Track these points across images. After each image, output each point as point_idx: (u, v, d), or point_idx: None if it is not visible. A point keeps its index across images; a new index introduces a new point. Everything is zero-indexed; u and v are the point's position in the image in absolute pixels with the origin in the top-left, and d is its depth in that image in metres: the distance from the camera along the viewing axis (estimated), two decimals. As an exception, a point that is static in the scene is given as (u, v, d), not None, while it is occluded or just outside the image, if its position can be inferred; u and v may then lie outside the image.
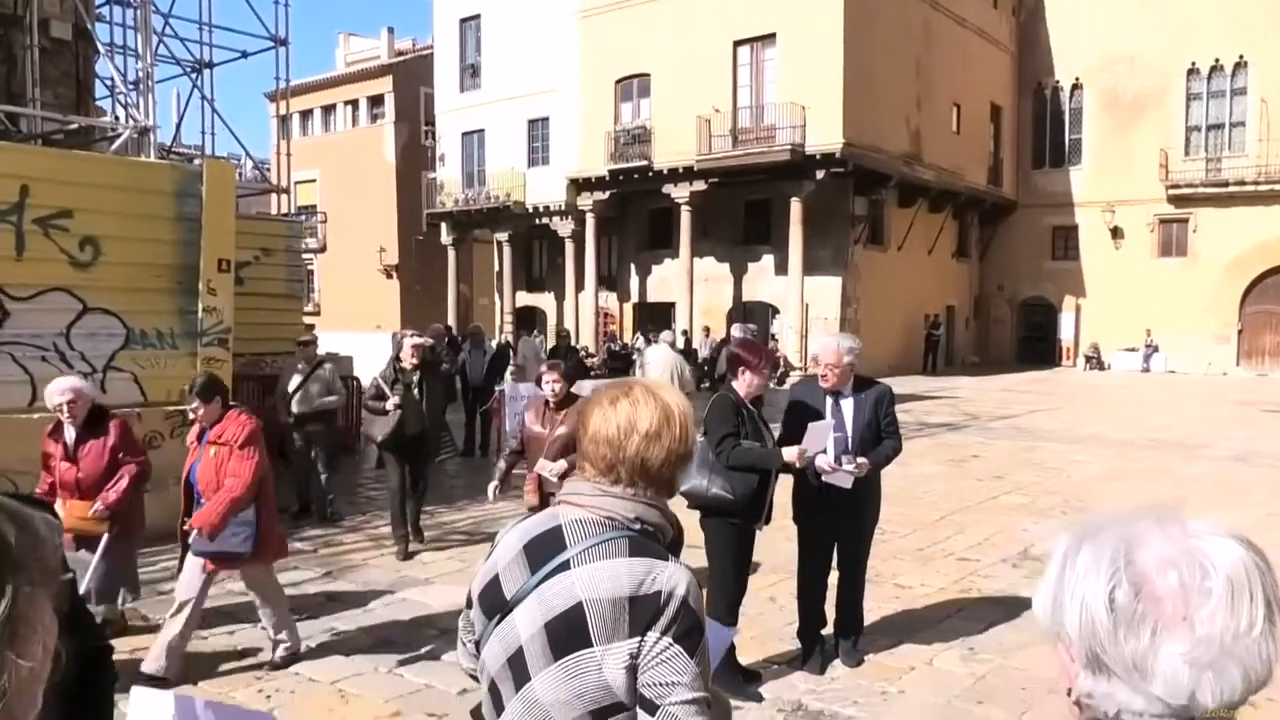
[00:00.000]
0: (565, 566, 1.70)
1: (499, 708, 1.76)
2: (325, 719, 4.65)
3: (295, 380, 9.17)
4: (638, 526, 1.74)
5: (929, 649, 5.54)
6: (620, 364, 21.07)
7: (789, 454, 4.79)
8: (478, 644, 1.85)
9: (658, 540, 1.77)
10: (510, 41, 31.37)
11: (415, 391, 7.85)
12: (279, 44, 13.21)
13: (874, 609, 6.43)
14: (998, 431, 15.80)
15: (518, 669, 1.71)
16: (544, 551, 1.74)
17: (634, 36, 28.09)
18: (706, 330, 26.21)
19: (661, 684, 1.61)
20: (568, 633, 1.65)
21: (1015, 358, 34.22)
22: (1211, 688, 0.95)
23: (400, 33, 49.77)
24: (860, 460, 4.96)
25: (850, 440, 5.03)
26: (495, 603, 1.78)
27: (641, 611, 1.63)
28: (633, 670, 1.62)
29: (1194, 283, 30.62)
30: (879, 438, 5.13)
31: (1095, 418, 17.92)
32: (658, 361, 11.77)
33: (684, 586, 1.67)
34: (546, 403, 6.04)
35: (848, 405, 5.10)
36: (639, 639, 1.62)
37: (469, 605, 1.92)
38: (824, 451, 4.95)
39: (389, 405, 7.70)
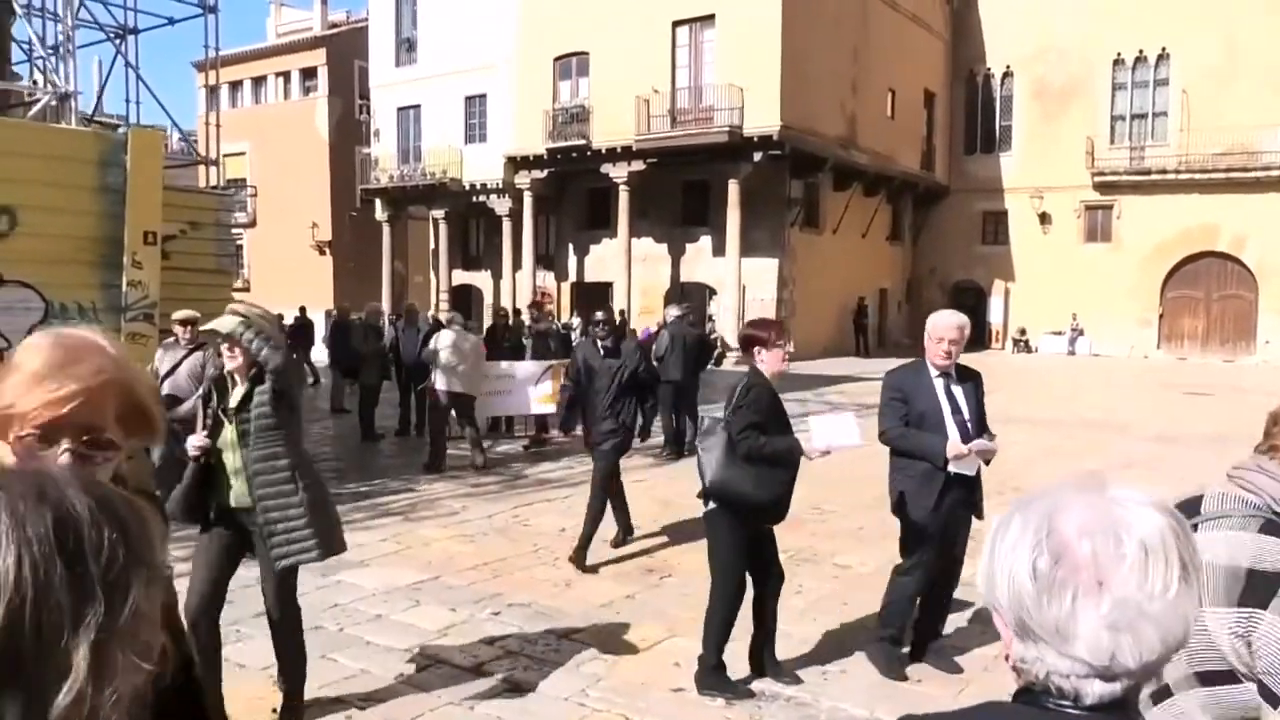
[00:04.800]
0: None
1: None
2: (257, 707, 4.47)
3: (166, 367, 7.34)
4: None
5: (870, 629, 5.58)
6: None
7: (810, 450, 4.58)
8: None
9: None
10: (448, 16, 30.87)
11: (233, 423, 3.97)
12: (208, 11, 12.78)
13: (813, 589, 6.50)
14: (930, 413, 16.01)
15: None
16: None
17: (573, 14, 27.83)
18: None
19: (1277, 673, 1.51)
20: None
21: (946, 340, 34.79)
22: (1130, 649, 0.99)
23: (334, 4, 48.68)
24: (994, 436, 4.83)
25: (970, 424, 4.81)
26: None
27: (1257, 586, 1.53)
28: (1246, 643, 1.54)
29: (1118, 268, 31.49)
30: (982, 424, 4.92)
31: (1027, 399, 18.29)
32: (446, 346, 11.05)
33: None
34: None
35: (957, 389, 4.87)
36: (1248, 613, 1.53)
37: None
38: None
39: (192, 445, 3.96)
